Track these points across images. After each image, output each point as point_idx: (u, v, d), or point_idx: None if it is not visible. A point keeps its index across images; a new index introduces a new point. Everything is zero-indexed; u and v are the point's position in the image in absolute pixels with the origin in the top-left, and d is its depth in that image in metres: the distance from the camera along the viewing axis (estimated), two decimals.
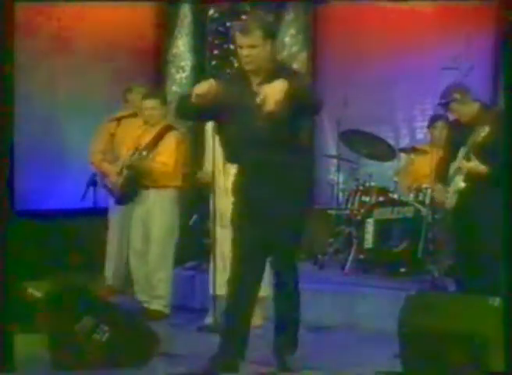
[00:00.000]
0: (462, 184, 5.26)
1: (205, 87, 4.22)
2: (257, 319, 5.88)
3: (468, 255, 5.34)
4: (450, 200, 5.36)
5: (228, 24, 8.59)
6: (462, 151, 5.28)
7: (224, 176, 5.74)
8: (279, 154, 4.35)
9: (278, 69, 4.39)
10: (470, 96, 5.38)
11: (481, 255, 5.20)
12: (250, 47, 4.30)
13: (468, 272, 5.36)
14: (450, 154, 5.47)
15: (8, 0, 2.88)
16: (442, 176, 5.54)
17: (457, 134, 5.44)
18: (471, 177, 5.25)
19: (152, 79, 8.35)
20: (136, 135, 6.33)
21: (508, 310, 3.46)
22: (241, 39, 4.32)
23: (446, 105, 5.42)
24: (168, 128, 6.24)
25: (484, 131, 5.07)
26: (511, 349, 3.25)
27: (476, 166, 5.19)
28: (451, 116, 5.63)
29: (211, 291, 5.83)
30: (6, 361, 2.86)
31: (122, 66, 8.09)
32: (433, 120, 7.12)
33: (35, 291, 5.52)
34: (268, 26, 4.46)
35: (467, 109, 5.35)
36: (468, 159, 5.22)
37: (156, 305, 6.18)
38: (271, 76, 4.27)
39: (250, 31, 4.30)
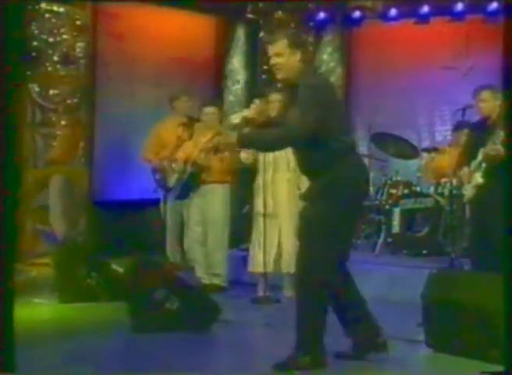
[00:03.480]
0: (480, 180, 5.18)
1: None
2: (289, 292, 5.91)
3: (482, 240, 5.27)
4: (470, 192, 5.28)
5: None
6: (482, 152, 5.19)
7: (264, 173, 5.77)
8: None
9: (305, 80, 3.85)
10: (500, 95, 5.18)
11: (494, 240, 5.13)
12: (276, 55, 3.89)
13: (482, 254, 5.29)
14: (472, 152, 5.34)
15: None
16: (464, 165, 5.43)
17: (479, 136, 5.32)
18: (487, 174, 5.16)
19: (212, 90, 8.41)
20: (195, 138, 6.30)
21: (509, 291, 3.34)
22: (269, 49, 3.94)
23: (478, 97, 5.20)
24: (219, 133, 6.18)
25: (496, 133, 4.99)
26: (511, 349, 3.15)
27: (498, 148, 4.98)
28: (478, 114, 5.40)
29: (249, 269, 5.91)
30: (6, 361, 2.77)
31: (188, 79, 8.16)
32: (458, 126, 6.99)
33: (117, 267, 5.63)
34: (295, 36, 4.03)
35: (496, 104, 5.18)
36: (494, 143, 5.04)
37: (215, 280, 6.20)
38: (300, 86, 3.83)
39: (275, 40, 3.92)
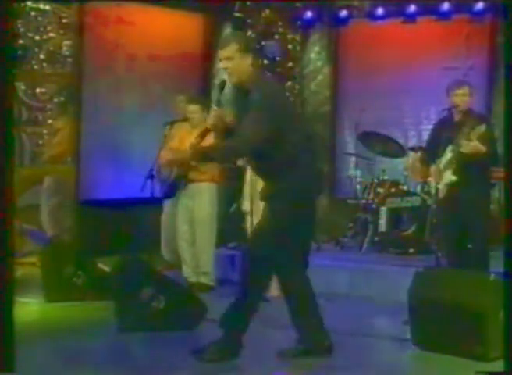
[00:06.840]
0: (453, 177, 5.06)
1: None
2: (275, 291, 5.91)
3: (457, 238, 5.20)
4: (441, 191, 5.15)
5: (263, 43, 8.65)
6: (452, 149, 5.07)
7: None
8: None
9: (258, 87, 3.97)
10: (474, 92, 5.17)
11: (466, 238, 5.11)
12: (226, 59, 3.98)
13: (457, 253, 5.23)
14: (437, 149, 5.22)
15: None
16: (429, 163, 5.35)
17: (445, 133, 5.18)
18: (459, 171, 5.05)
19: (201, 89, 8.39)
20: (182, 136, 6.26)
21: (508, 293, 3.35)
22: (220, 53, 4.04)
23: (459, 91, 5.11)
24: (208, 130, 6.18)
25: (476, 129, 4.92)
26: (511, 349, 3.17)
27: (477, 145, 4.90)
28: (451, 109, 5.23)
29: None
30: (6, 361, 2.83)
31: (176, 78, 8.15)
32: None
33: (104, 266, 5.60)
34: (245, 40, 4.13)
35: (471, 101, 5.14)
36: (469, 140, 4.92)
37: (203, 279, 6.18)
38: (252, 91, 3.96)
39: (226, 44, 4.01)
